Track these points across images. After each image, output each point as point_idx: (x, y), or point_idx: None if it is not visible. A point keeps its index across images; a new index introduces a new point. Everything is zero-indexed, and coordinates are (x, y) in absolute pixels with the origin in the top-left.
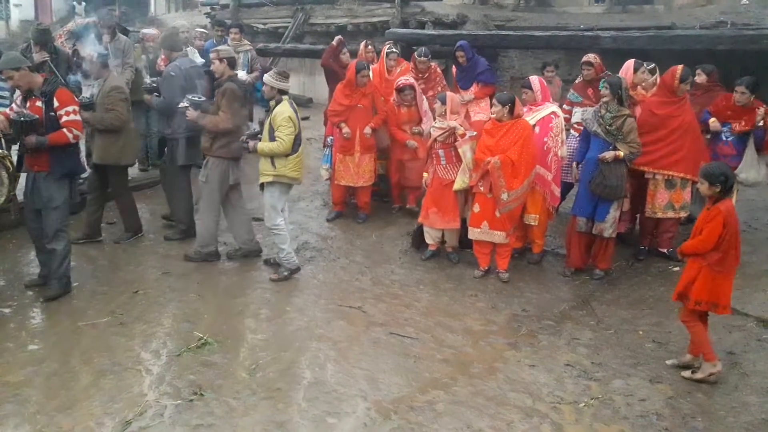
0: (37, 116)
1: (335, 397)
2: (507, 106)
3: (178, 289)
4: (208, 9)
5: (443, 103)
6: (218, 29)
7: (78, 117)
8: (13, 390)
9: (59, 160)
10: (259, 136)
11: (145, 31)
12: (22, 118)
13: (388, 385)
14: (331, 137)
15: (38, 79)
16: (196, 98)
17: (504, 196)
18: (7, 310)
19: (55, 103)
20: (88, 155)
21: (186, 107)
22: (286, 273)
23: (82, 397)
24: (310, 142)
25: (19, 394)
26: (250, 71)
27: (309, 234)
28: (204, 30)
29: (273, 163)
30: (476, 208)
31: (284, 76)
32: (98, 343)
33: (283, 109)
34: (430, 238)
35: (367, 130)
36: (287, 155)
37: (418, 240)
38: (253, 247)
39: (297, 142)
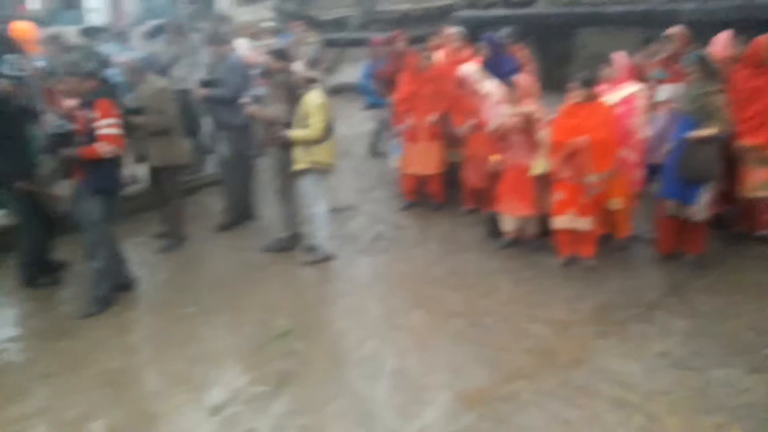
0: (70, 127)
1: (418, 387)
2: (587, 87)
3: (259, 281)
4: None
5: (512, 88)
6: (292, 23)
7: (115, 131)
8: (113, 377)
9: (94, 173)
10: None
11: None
12: (55, 130)
13: (470, 374)
14: (399, 126)
15: (87, 86)
16: (257, 92)
17: (592, 179)
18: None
19: (95, 114)
20: (141, 160)
21: (247, 101)
22: (319, 258)
23: (175, 384)
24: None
25: (119, 380)
26: (315, 64)
27: (382, 224)
28: (272, 24)
29: (307, 151)
30: (559, 195)
31: (314, 65)
32: (187, 332)
33: (314, 96)
34: (508, 225)
35: (432, 117)
36: (319, 141)
37: (493, 229)
38: (290, 234)
39: (328, 128)
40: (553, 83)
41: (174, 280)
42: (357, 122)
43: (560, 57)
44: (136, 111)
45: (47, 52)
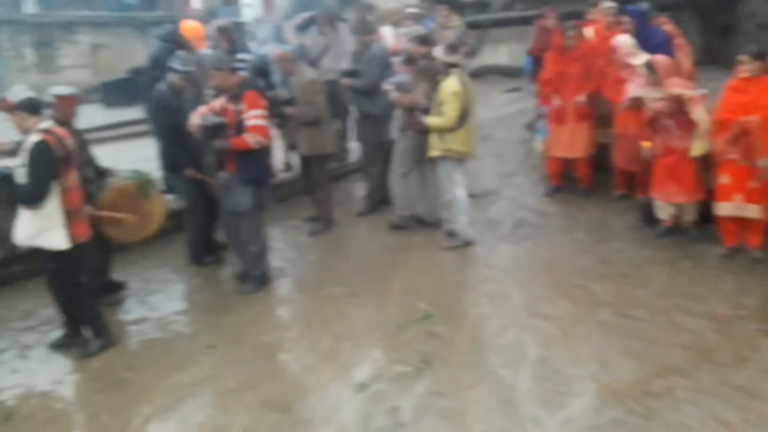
0: (220, 120)
1: (562, 377)
2: (759, 59)
3: (401, 264)
4: None
5: (651, 71)
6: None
7: (263, 122)
8: (268, 350)
9: (243, 164)
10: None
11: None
12: (207, 123)
13: (618, 368)
14: (544, 107)
15: (234, 80)
16: (399, 79)
17: (764, 162)
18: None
19: (242, 106)
20: (292, 148)
21: (390, 89)
22: (459, 243)
23: (324, 359)
24: (522, 114)
25: (272, 354)
26: (457, 47)
27: (525, 210)
28: (415, 10)
29: (442, 138)
30: (725, 179)
31: (453, 49)
32: (334, 311)
33: (450, 84)
34: (664, 213)
35: (580, 98)
36: (453, 130)
37: (647, 215)
38: (432, 220)
39: (464, 116)
40: (713, 56)
41: (322, 261)
42: (499, 105)
43: (723, 28)
44: (288, 102)
45: (216, 45)
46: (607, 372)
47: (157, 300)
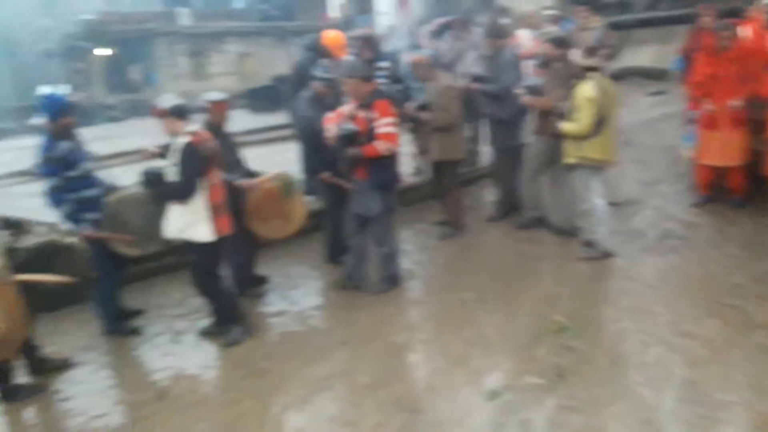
0: (353, 128)
1: (711, 402)
2: None
3: (534, 273)
4: None
5: None
6: (582, 10)
7: (393, 129)
8: (399, 350)
9: (374, 171)
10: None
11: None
12: (342, 131)
13: None
14: (694, 112)
15: (366, 88)
16: (531, 82)
17: None
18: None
19: (373, 114)
20: (424, 152)
21: (522, 92)
22: (597, 254)
23: (454, 364)
24: (668, 119)
25: (403, 354)
26: (596, 50)
27: (672, 221)
28: (553, 12)
29: (577, 144)
30: None
31: (592, 52)
32: (465, 316)
33: (585, 89)
34: None
35: (736, 102)
36: (588, 137)
37: None
38: (566, 228)
39: (601, 122)
40: None
41: (452, 265)
42: (642, 109)
43: None
44: (423, 107)
45: (359, 53)
46: (765, 400)
47: (296, 295)
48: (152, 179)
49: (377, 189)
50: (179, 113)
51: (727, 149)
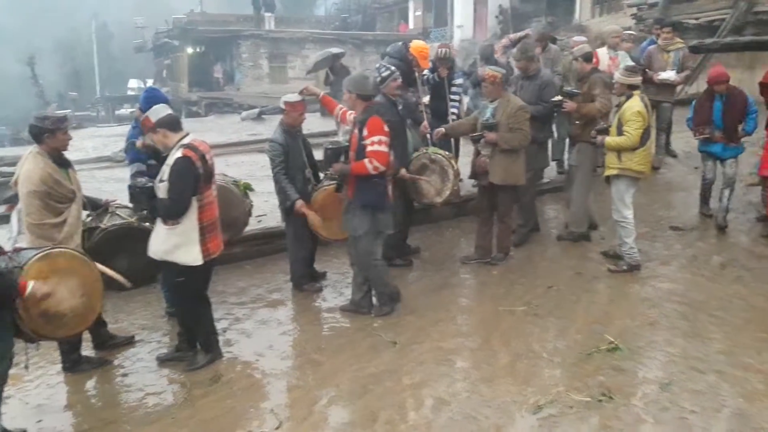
0: (341, 144)
1: None
2: None
3: (590, 291)
4: (634, 10)
5: None
6: (656, 29)
7: (383, 148)
8: (446, 355)
9: (361, 189)
10: (608, 129)
11: (575, 38)
12: (330, 146)
13: None
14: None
15: (360, 106)
16: (570, 90)
17: None
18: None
19: (365, 132)
20: (474, 176)
21: (561, 100)
22: (625, 267)
23: (500, 374)
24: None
25: (451, 359)
26: (680, 70)
27: (737, 249)
28: (631, 32)
29: (619, 157)
30: None
31: (633, 71)
32: (514, 328)
33: (633, 104)
34: None
35: None
36: (634, 149)
37: None
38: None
39: (645, 136)
40: None
41: (505, 277)
42: None
43: None
44: (490, 127)
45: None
46: None
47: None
48: (138, 192)
49: (362, 208)
50: (171, 125)
51: None
